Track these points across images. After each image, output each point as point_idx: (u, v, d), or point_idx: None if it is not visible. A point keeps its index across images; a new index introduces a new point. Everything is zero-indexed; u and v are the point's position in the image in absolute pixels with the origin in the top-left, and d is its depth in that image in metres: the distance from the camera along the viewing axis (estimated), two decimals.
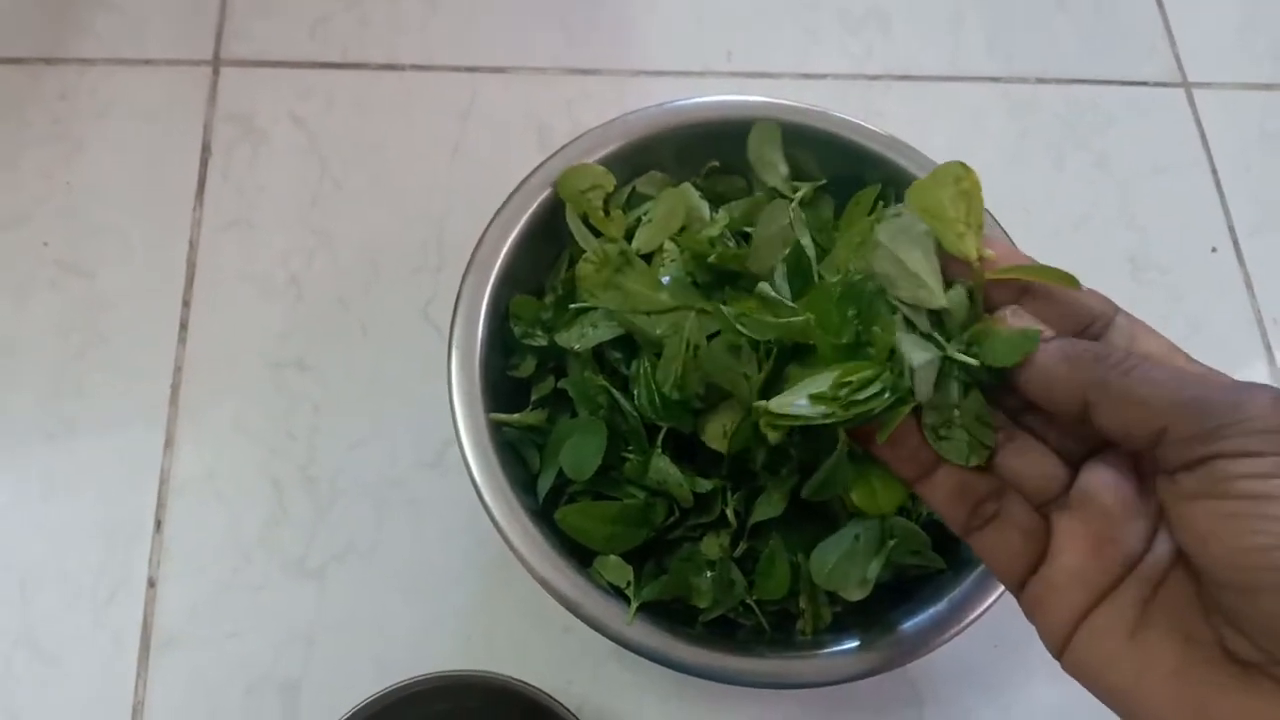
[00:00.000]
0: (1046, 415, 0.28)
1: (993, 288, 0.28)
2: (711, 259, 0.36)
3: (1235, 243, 0.56)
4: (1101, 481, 0.26)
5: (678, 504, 0.37)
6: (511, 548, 0.36)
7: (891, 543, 0.36)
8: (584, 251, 0.39)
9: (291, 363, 0.49)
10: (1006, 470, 0.28)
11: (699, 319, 0.35)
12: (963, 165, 0.29)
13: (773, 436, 0.31)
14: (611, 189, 0.41)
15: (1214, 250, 0.56)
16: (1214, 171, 0.58)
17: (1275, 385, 0.53)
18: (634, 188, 0.43)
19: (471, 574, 0.46)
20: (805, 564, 0.37)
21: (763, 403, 0.28)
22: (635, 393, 0.36)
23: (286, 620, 0.45)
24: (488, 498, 0.37)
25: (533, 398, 0.41)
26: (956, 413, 0.28)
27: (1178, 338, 0.27)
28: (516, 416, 0.39)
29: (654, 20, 0.59)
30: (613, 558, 0.37)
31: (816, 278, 0.33)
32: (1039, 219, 0.56)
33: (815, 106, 0.43)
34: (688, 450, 0.37)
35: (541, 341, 0.40)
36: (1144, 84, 0.61)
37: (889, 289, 0.28)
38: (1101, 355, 0.25)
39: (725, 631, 0.39)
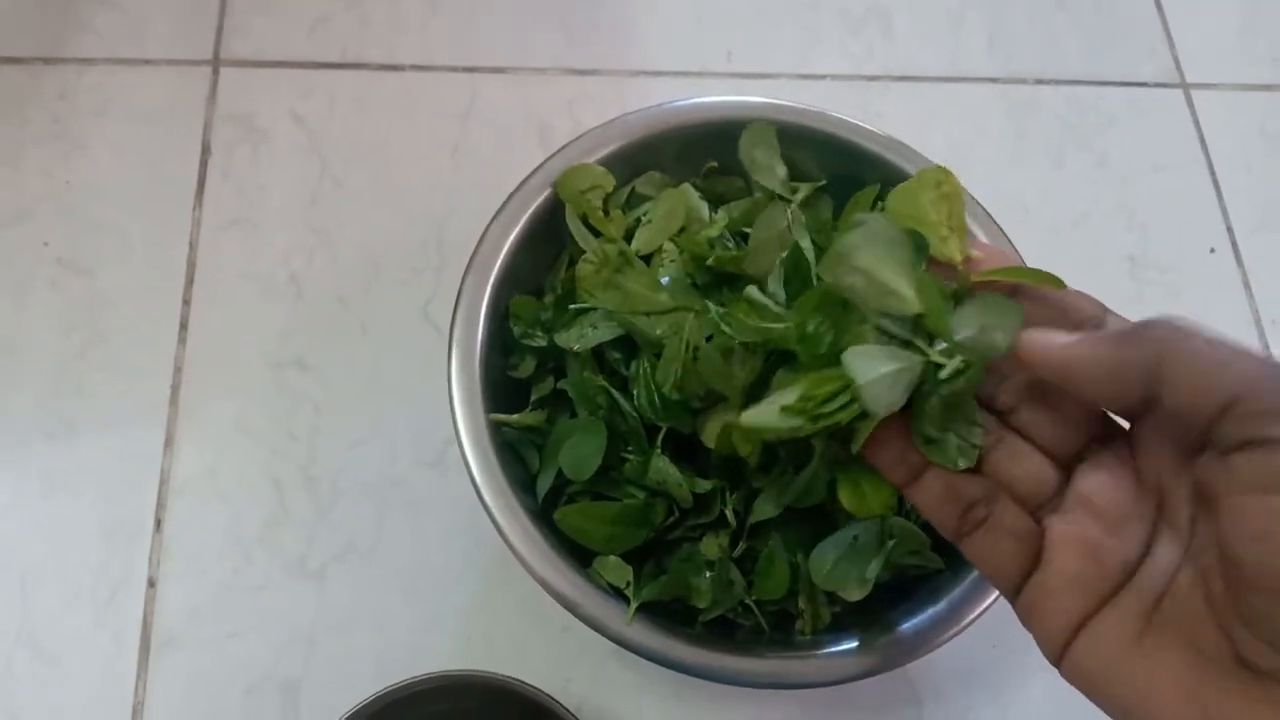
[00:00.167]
0: (1037, 416, 0.27)
1: (980, 289, 0.28)
2: (710, 261, 0.36)
3: (1234, 243, 0.57)
4: (1096, 485, 0.26)
5: (677, 504, 0.37)
6: (511, 548, 0.36)
7: (890, 543, 0.37)
8: (584, 252, 0.39)
9: (292, 362, 0.49)
10: (997, 473, 0.28)
11: (698, 320, 0.35)
12: (943, 169, 0.29)
13: (744, 449, 0.32)
14: (611, 189, 0.41)
15: (1212, 251, 0.56)
16: (1212, 172, 0.58)
17: None
18: (633, 188, 0.43)
19: (471, 574, 0.46)
20: (804, 564, 0.37)
21: (734, 417, 0.28)
22: (635, 393, 0.36)
23: (287, 620, 0.45)
24: (488, 498, 0.37)
25: (532, 398, 0.41)
26: (943, 415, 0.27)
27: None
28: (516, 417, 0.39)
29: (654, 20, 0.60)
30: (612, 558, 0.37)
31: (815, 280, 0.33)
32: (1038, 219, 0.56)
33: (814, 107, 0.43)
34: (687, 450, 0.37)
35: (541, 342, 0.40)
36: (1143, 85, 0.61)
37: (856, 301, 0.28)
38: (1168, 322, 0.24)
39: (724, 631, 0.39)
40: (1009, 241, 0.42)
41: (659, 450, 0.36)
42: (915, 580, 0.39)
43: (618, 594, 0.37)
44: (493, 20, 0.58)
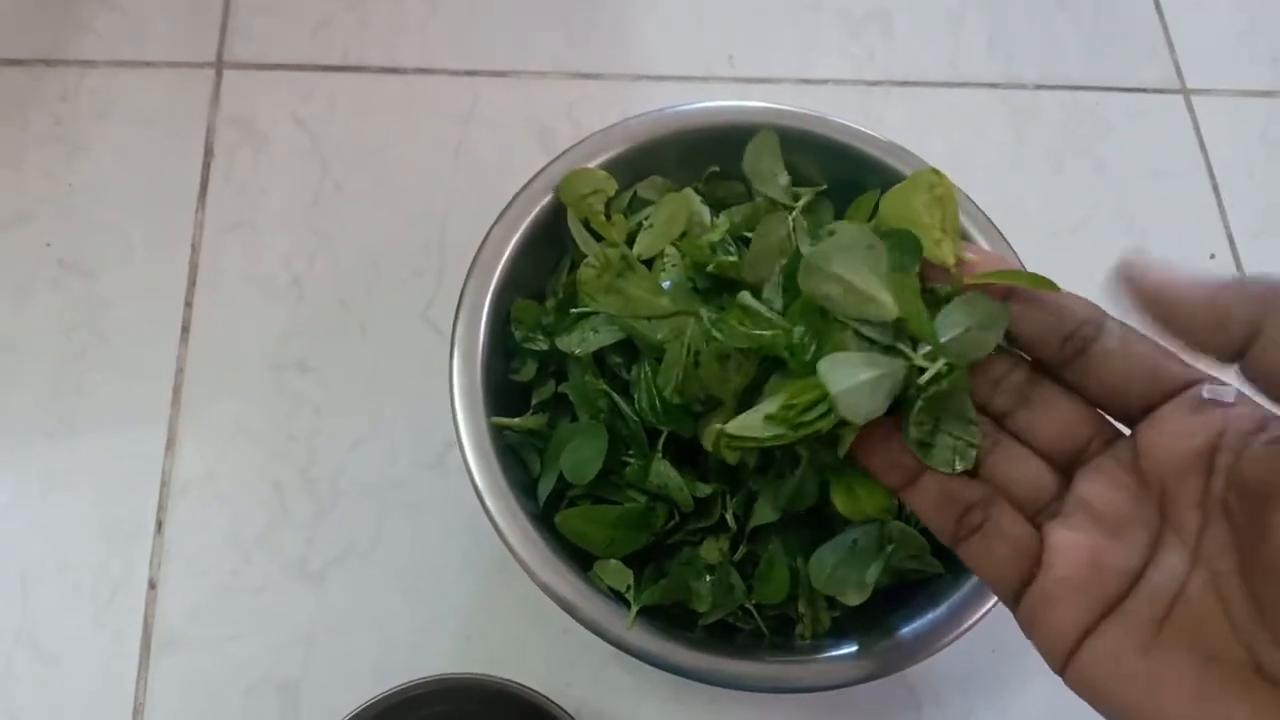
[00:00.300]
0: (1034, 418, 0.27)
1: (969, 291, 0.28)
2: (710, 267, 0.36)
3: (1234, 249, 0.57)
4: (1096, 489, 0.26)
5: (678, 508, 0.37)
6: (512, 552, 0.36)
7: (890, 547, 0.37)
8: (585, 256, 0.39)
9: (292, 364, 0.49)
10: (994, 477, 0.27)
11: (699, 325, 0.35)
12: (936, 171, 0.29)
13: (729, 458, 0.32)
14: (613, 194, 0.41)
15: (1213, 256, 0.57)
16: (1212, 178, 0.58)
17: None
18: (635, 192, 0.43)
19: (471, 576, 0.46)
20: (804, 568, 0.37)
21: (719, 426, 0.28)
22: (636, 397, 0.36)
23: (287, 621, 0.45)
24: (489, 501, 0.37)
25: (533, 401, 0.41)
26: (934, 418, 0.27)
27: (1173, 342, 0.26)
28: (517, 420, 0.39)
29: (654, 24, 0.60)
30: (613, 561, 0.37)
31: None
32: (1038, 223, 0.56)
33: (815, 112, 0.43)
34: (688, 455, 0.37)
35: (543, 345, 0.40)
36: (1143, 90, 0.61)
37: (834, 310, 0.27)
38: (1273, 279, 0.23)
39: (725, 635, 0.39)
40: (1009, 246, 0.42)
41: (660, 454, 0.36)
42: (915, 585, 0.39)
43: (618, 597, 0.37)
44: (494, 23, 0.58)
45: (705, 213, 0.40)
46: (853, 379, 0.26)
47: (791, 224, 0.36)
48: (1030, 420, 0.27)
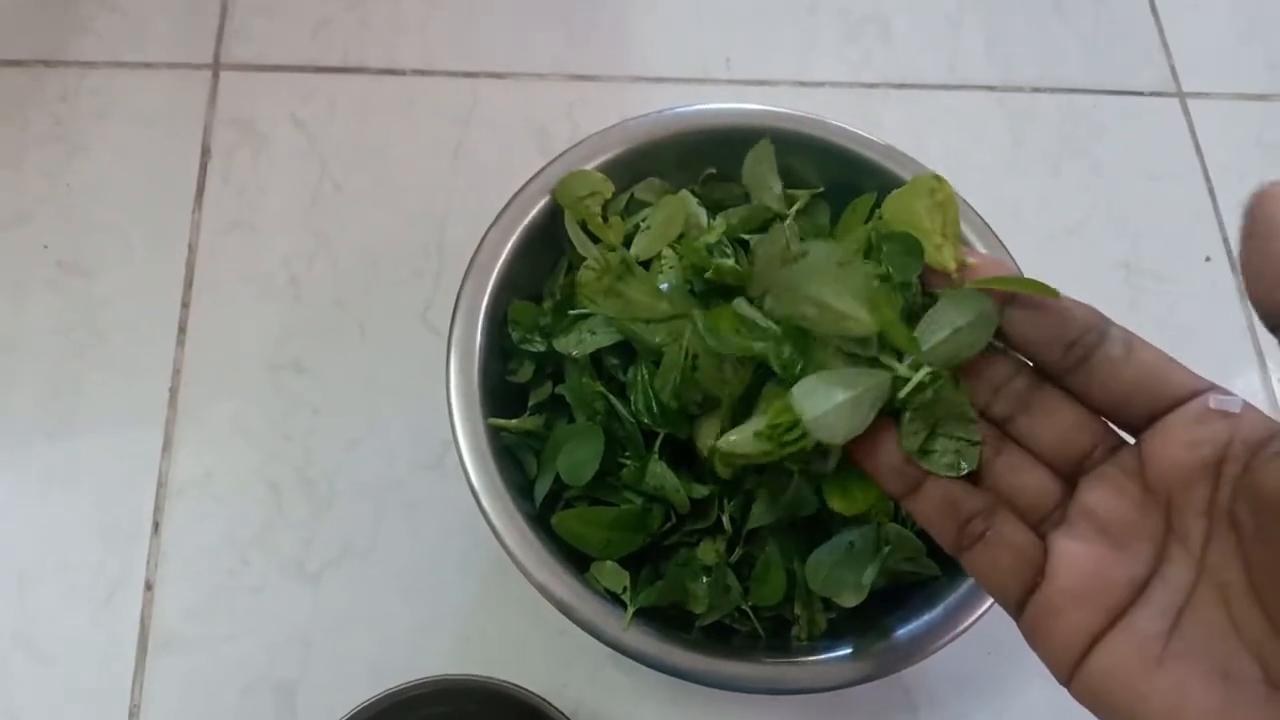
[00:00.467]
0: (1035, 424, 0.27)
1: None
2: (708, 274, 0.36)
3: (1229, 252, 0.57)
4: (1100, 498, 0.25)
5: (674, 510, 0.37)
6: (509, 553, 0.36)
7: (886, 549, 0.37)
8: (583, 258, 0.39)
9: (290, 365, 0.49)
10: (997, 485, 0.27)
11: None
12: (936, 177, 0.29)
13: (723, 472, 0.32)
14: (610, 195, 0.42)
15: (1208, 259, 0.57)
16: (1208, 180, 0.59)
17: (1266, 395, 0.54)
18: (632, 194, 0.43)
19: (468, 576, 0.46)
20: (800, 570, 0.37)
21: (712, 442, 0.28)
22: (632, 399, 0.37)
23: (283, 622, 0.45)
24: (485, 503, 0.37)
25: (530, 403, 0.41)
26: (929, 424, 0.27)
27: (1170, 345, 0.26)
28: (514, 422, 0.39)
29: (653, 26, 0.60)
30: (609, 563, 0.37)
31: None
32: (1034, 225, 0.56)
33: (813, 115, 0.43)
34: (684, 456, 0.37)
35: (540, 347, 0.40)
36: (1139, 93, 0.61)
37: (812, 329, 0.27)
38: None
39: (721, 637, 0.39)
40: (1005, 250, 0.42)
41: (656, 456, 0.37)
42: (911, 587, 0.39)
43: (615, 599, 0.37)
44: (493, 24, 0.59)
45: (702, 214, 0.40)
46: (828, 402, 0.26)
47: (787, 231, 0.36)
48: (1032, 426, 0.27)
